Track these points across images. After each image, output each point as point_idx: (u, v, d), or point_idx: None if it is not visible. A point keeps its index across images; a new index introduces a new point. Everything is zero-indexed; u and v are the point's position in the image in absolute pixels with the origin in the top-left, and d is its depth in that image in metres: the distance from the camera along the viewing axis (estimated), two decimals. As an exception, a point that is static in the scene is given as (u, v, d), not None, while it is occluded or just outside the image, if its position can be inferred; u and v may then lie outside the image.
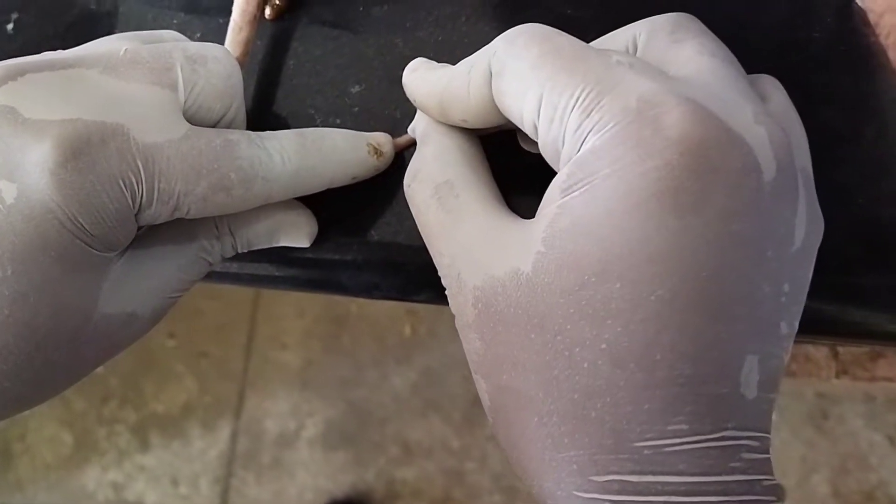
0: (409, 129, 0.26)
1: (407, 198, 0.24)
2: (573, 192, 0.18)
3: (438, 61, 0.28)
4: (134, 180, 0.20)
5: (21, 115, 0.20)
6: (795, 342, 0.20)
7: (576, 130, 0.18)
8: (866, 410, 1.10)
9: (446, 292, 0.22)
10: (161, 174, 0.21)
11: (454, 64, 0.23)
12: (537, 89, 0.19)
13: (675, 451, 0.17)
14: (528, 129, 0.20)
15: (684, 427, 0.17)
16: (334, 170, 0.25)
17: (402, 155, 0.27)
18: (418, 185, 0.23)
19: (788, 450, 1.11)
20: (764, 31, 0.26)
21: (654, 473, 0.17)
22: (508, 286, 0.19)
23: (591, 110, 0.18)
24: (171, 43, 0.24)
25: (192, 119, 0.23)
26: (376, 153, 0.26)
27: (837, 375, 0.63)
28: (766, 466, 0.18)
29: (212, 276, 0.30)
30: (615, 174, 0.17)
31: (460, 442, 1.21)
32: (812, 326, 0.24)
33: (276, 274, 0.30)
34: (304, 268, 0.29)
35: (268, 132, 0.24)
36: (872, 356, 0.69)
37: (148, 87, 0.22)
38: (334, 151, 0.25)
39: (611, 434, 0.18)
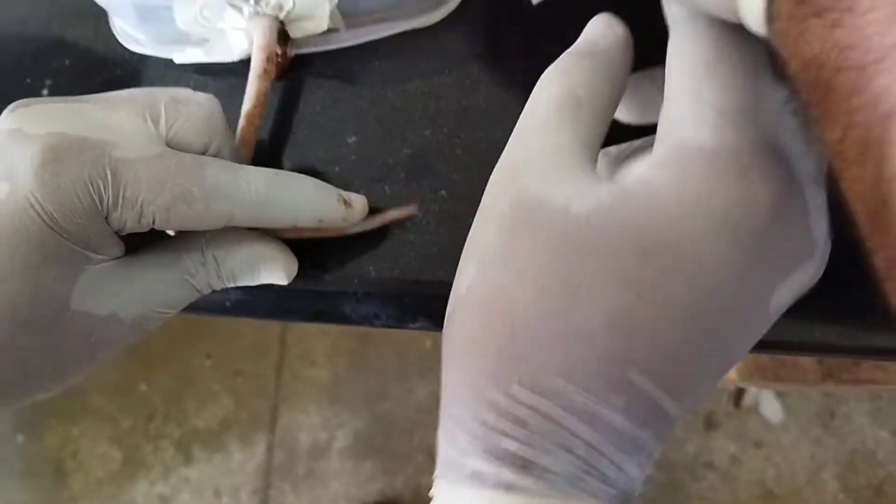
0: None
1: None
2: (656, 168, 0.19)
3: (424, 111, 0.30)
4: (102, 185, 0.22)
5: (23, 132, 0.23)
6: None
7: None
8: (872, 408, 1.09)
9: (491, 177, 0.22)
10: (127, 183, 0.23)
11: None
12: None
13: None
14: None
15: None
16: (300, 206, 0.26)
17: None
18: (556, 75, 0.22)
19: (797, 448, 1.10)
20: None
21: None
22: (554, 210, 0.19)
23: None
24: (164, 88, 0.26)
25: (176, 150, 0.25)
26: (345, 203, 0.27)
27: (823, 379, 0.63)
28: None
29: (225, 308, 0.31)
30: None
31: (482, 449, 1.21)
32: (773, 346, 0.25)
33: (286, 306, 0.31)
34: (311, 301, 0.30)
35: (247, 166, 0.26)
36: (856, 360, 0.69)
37: (134, 117, 0.25)
38: (302, 191, 0.26)
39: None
